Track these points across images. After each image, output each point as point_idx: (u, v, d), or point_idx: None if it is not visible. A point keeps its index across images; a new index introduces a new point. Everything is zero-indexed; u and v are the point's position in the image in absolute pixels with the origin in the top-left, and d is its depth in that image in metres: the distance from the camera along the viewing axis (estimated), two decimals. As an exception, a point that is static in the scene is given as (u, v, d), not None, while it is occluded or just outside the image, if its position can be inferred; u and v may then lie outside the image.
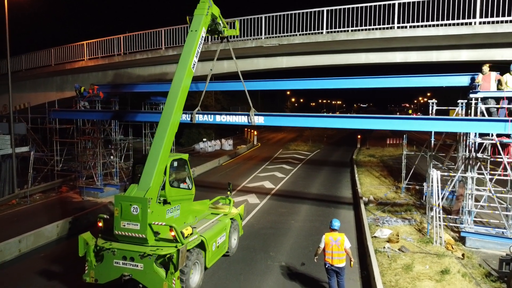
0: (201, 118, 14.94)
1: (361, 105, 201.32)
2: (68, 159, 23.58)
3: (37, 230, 13.20)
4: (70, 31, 58.77)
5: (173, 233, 9.04)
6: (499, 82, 12.92)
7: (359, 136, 46.28)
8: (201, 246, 10.18)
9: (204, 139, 42.76)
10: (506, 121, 11.18)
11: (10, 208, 17.95)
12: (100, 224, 9.86)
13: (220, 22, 13.33)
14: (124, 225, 9.18)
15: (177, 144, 36.20)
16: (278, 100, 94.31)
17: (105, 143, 22.13)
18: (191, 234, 9.84)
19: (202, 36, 12.02)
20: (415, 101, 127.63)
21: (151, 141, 27.08)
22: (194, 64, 11.52)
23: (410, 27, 16.66)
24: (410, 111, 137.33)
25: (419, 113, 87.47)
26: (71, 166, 23.37)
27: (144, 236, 9.11)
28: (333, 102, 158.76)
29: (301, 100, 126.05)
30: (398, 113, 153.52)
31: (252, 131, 50.28)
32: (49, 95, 25.97)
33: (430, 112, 16.17)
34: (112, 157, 22.10)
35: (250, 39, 19.36)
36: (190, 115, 14.67)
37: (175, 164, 10.95)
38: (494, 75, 13.00)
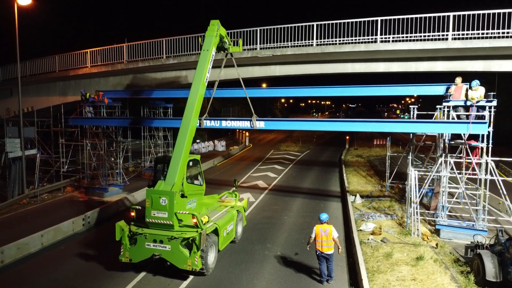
0: (208, 123, 16.04)
1: (350, 105, 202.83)
2: (72, 161, 24.64)
3: (56, 226, 14.43)
4: (75, 38, 59.41)
5: (194, 220, 10.78)
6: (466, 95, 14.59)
7: (347, 137, 47.25)
8: (215, 232, 11.92)
9: (198, 141, 43.81)
10: (468, 122, 13.00)
11: (22, 207, 19.05)
12: (133, 214, 11.57)
13: (226, 41, 14.89)
14: (154, 214, 10.90)
15: (172, 146, 37.08)
16: (268, 101, 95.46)
17: (107, 145, 23.29)
18: (208, 221, 11.60)
19: (213, 54, 13.63)
20: (402, 102, 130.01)
21: (150, 143, 28.64)
22: (206, 79, 13.11)
23: (392, 40, 18.29)
24: (398, 111, 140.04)
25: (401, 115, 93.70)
26: (76, 167, 24.43)
27: (171, 222, 10.85)
28: (322, 103, 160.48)
29: (291, 101, 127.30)
30: (386, 113, 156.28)
31: (244, 132, 51.21)
32: (51, 99, 26.92)
33: (412, 115, 17.90)
34: (113, 158, 23.29)
35: (246, 49, 20.66)
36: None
37: (191, 163, 12.60)
38: (465, 87, 14.65)
